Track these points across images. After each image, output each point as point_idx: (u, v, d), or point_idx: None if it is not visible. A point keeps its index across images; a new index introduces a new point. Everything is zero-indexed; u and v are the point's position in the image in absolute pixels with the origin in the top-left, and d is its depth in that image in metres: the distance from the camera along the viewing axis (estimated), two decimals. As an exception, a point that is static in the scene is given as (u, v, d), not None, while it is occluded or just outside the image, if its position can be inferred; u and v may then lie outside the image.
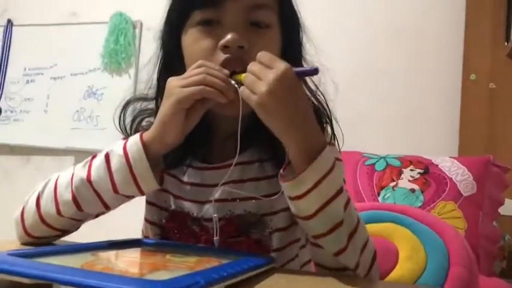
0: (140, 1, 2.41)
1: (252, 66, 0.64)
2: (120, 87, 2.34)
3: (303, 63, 0.81)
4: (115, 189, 0.69)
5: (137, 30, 2.46)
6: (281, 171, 0.67)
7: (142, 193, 0.71)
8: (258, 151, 0.79)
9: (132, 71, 2.44)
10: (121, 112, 0.82)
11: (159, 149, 0.69)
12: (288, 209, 0.74)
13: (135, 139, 0.69)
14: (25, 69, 2.61)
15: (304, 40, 0.82)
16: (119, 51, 2.43)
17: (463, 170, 1.50)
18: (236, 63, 0.69)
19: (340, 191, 0.65)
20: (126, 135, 0.81)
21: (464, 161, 1.55)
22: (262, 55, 0.64)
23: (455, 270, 1.03)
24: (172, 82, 0.68)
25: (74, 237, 0.79)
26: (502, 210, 1.55)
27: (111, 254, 0.64)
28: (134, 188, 0.69)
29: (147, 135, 0.69)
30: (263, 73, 0.62)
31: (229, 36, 0.69)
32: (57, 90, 2.54)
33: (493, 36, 1.88)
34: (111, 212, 0.76)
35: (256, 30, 0.73)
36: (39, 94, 2.57)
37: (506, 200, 1.56)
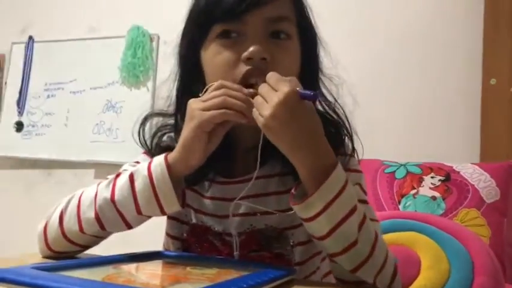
0: (157, 14, 2.44)
1: (261, 88, 0.65)
2: (138, 100, 2.37)
3: (320, 76, 0.81)
4: (138, 210, 0.70)
5: (154, 44, 2.48)
6: (293, 190, 0.67)
7: (164, 214, 0.71)
8: (279, 164, 0.78)
9: (150, 84, 2.46)
10: (140, 127, 0.83)
11: (183, 171, 0.70)
12: None
13: (159, 160, 0.70)
14: (46, 84, 2.66)
15: (322, 53, 0.82)
16: (136, 64, 2.46)
17: (486, 177, 1.47)
18: (258, 75, 0.69)
19: (353, 209, 0.64)
20: (148, 150, 0.82)
21: (487, 167, 1.52)
22: (271, 76, 0.65)
23: (480, 280, 1.01)
24: (193, 104, 0.68)
25: (95, 251, 0.79)
26: (527, 216, 1.52)
27: (132, 266, 0.64)
28: (157, 208, 0.69)
29: (171, 156, 0.70)
30: (269, 96, 0.63)
31: (252, 48, 0.70)
32: (77, 104, 2.58)
33: (512, 39, 1.85)
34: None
35: (277, 41, 0.73)
36: (60, 108, 2.61)
37: (531, 207, 1.52)
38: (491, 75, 1.87)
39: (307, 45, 0.78)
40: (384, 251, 0.69)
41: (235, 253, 0.75)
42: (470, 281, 1.03)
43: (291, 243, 0.77)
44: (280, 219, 0.76)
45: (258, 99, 0.64)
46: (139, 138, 0.83)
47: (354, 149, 0.80)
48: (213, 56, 0.74)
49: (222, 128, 0.68)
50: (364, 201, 0.76)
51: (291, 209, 0.71)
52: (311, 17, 0.80)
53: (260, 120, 0.63)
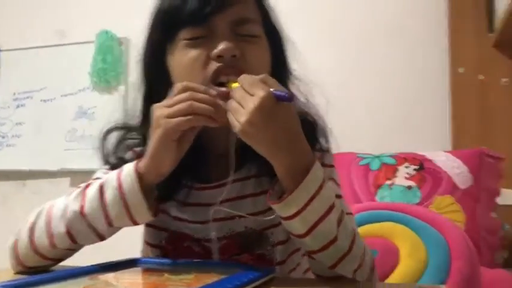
0: (126, 18, 2.40)
1: (236, 92, 0.63)
2: (110, 105, 2.33)
3: (290, 77, 0.80)
4: (108, 222, 0.69)
5: (124, 47, 2.45)
6: (270, 190, 0.66)
7: (136, 224, 0.70)
8: (255, 166, 0.77)
9: (122, 88, 2.43)
10: (102, 142, 0.80)
11: (154, 180, 0.68)
12: None
13: (129, 170, 0.68)
14: (14, 93, 2.60)
15: (290, 54, 0.81)
16: (107, 69, 2.42)
17: (458, 163, 1.51)
18: (229, 72, 0.69)
19: (331, 207, 0.64)
20: (107, 164, 0.79)
21: (459, 154, 1.56)
22: (244, 79, 0.63)
23: (457, 265, 1.03)
24: (158, 111, 0.66)
25: (71, 261, 0.78)
26: (499, 200, 1.55)
27: (109, 276, 0.63)
28: (128, 220, 0.68)
29: (141, 166, 0.68)
30: (244, 101, 0.61)
31: (222, 46, 0.68)
32: (48, 113, 2.53)
33: (477, 28, 1.89)
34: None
35: (246, 39, 0.72)
36: (30, 117, 2.55)
37: (503, 190, 1.56)
38: (459, 64, 1.90)
39: (275, 46, 0.78)
40: (362, 245, 0.69)
41: (214, 257, 0.75)
42: (447, 266, 1.05)
43: (272, 243, 0.77)
44: (259, 220, 0.76)
45: (233, 105, 0.62)
46: (101, 152, 0.80)
47: (328, 145, 0.81)
48: (181, 57, 0.72)
49: (191, 132, 0.67)
50: (338, 196, 0.76)
51: (269, 209, 0.70)
52: (276, 19, 0.80)
53: (237, 127, 0.61)
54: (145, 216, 0.68)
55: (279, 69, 0.77)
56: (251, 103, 0.60)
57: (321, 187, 0.63)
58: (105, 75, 2.42)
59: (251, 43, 0.72)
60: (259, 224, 0.76)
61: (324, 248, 0.65)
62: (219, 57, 0.69)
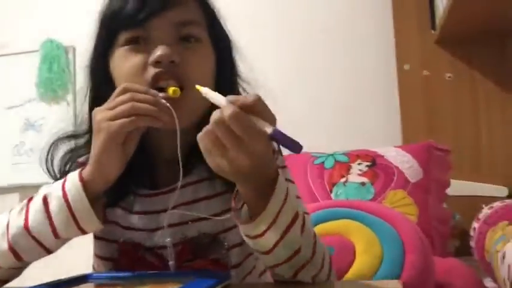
0: (71, 26, 2.34)
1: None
2: (59, 116, 2.26)
3: (238, 80, 0.80)
4: (55, 234, 0.66)
5: (70, 56, 2.38)
6: (232, 203, 0.63)
7: (84, 233, 0.68)
8: (206, 169, 0.76)
9: (70, 98, 2.36)
10: (47, 154, 0.77)
11: (101, 187, 0.66)
12: None
13: (73, 179, 0.66)
14: (-45, 108, 2.48)
15: (237, 57, 0.80)
16: (53, 79, 2.35)
17: (408, 158, 1.55)
18: (168, 78, 0.67)
19: (296, 215, 0.62)
20: (55, 179, 0.77)
21: (408, 148, 1.60)
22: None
23: (410, 258, 1.06)
24: (99, 114, 0.64)
25: (18, 281, 0.74)
26: (448, 191, 1.61)
27: (58, 295, 0.61)
28: (75, 229, 0.66)
29: (86, 173, 0.66)
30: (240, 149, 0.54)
31: (159, 52, 0.67)
32: (-7, 126, 2.43)
33: (420, 25, 1.96)
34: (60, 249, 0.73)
35: (187, 44, 0.71)
36: (-27, 132, 2.44)
37: (452, 181, 1.62)
38: (405, 61, 1.96)
39: (221, 49, 0.77)
40: (322, 249, 0.69)
41: (170, 263, 0.73)
42: (401, 259, 1.08)
43: (226, 247, 0.76)
44: (212, 224, 0.75)
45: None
46: (47, 168, 0.77)
47: (279, 146, 0.81)
48: (120, 62, 0.70)
49: (136, 133, 0.65)
50: (297, 197, 0.76)
51: (223, 212, 0.70)
52: (222, 22, 0.79)
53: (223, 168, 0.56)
54: (93, 224, 0.66)
55: (225, 72, 0.77)
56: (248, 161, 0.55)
57: (286, 198, 0.60)
58: (52, 84, 2.35)
59: (192, 49, 0.71)
60: (213, 228, 0.75)
61: (288, 259, 0.63)
62: (157, 62, 0.68)
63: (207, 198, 0.76)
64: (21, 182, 2.31)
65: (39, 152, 0.80)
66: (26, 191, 2.26)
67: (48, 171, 0.77)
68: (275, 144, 0.79)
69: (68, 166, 0.77)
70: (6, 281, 0.72)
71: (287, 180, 0.77)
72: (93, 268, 0.82)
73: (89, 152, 0.75)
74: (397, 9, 1.99)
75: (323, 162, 1.61)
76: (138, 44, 0.70)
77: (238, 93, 0.78)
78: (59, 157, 0.78)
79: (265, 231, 0.60)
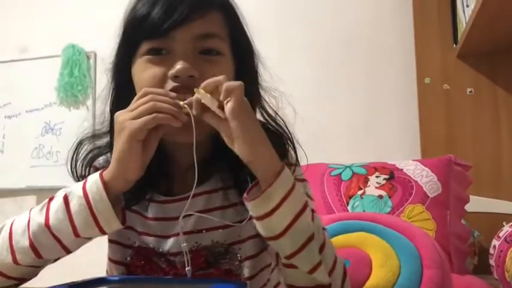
0: (92, 32, 2.37)
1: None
2: (78, 120, 2.27)
3: (260, 90, 0.80)
4: (75, 233, 0.67)
5: (91, 61, 2.41)
6: (245, 194, 0.66)
7: (104, 233, 0.68)
8: (221, 179, 0.77)
9: (89, 103, 2.39)
10: (73, 154, 0.78)
11: (121, 187, 0.67)
12: (256, 236, 0.74)
13: (94, 178, 0.67)
14: (-23, 110, 2.53)
15: (260, 67, 0.81)
16: (74, 83, 2.37)
17: (427, 172, 1.52)
18: (186, 92, 0.68)
19: (305, 205, 0.66)
20: (76, 179, 0.78)
21: (427, 162, 1.58)
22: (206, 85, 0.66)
23: (429, 273, 1.04)
24: (121, 116, 0.66)
25: (35, 281, 0.75)
26: (467, 207, 1.58)
27: (73, 297, 0.61)
28: (95, 229, 0.67)
29: (107, 173, 0.67)
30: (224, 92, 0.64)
31: (179, 66, 0.68)
32: (13, 129, 2.46)
33: (441, 39, 1.94)
34: (74, 253, 0.73)
35: (207, 58, 0.71)
36: (-6, 134, 2.48)
37: (471, 197, 1.59)
38: (425, 75, 1.94)
39: (242, 60, 0.77)
40: (333, 249, 0.70)
41: (186, 269, 0.72)
42: (419, 274, 1.05)
43: (239, 258, 0.76)
44: (226, 234, 0.75)
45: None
46: (71, 168, 0.78)
47: (297, 158, 0.80)
48: (141, 72, 0.72)
49: (156, 134, 0.66)
50: (313, 210, 0.76)
51: (238, 222, 0.70)
52: (246, 31, 0.79)
53: (228, 109, 0.63)
54: (113, 224, 0.67)
55: (246, 83, 0.77)
56: (232, 94, 0.63)
57: (293, 186, 0.65)
58: (72, 89, 2.37)
59: (212, 62, 0.71)
60: (227, 238, 0.76)
61: (301, 247, 0.65)
62: (175, 77, 0.69)
63: (221, 208, 0.77)
64: (39, 185, 2.33)
65: (57, 155, 0.81)
66: (44, 193, 2.29)
67: (72, 172, 0.79)
68: (293, 156, 0.79)
69: (89, 167, 0.78)
70: (23, 280, 0.72)
71: (307, 195, 0.76)
72: (107, 272, 0.82)
73: (109, 152, 0.76)
74: (419, 23, 1.98)
75: (340, 174, 1.59)
76: (159, 55, 0.71)
77: (260, 103, 0.79)
78: (81, 157, 0.79)
79: (275, 209, 0.63)
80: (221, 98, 0.64)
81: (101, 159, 0.80)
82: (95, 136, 0.80)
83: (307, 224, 0.65)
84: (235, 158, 0.65)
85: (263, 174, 0.64)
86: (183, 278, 0.74)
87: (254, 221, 0.66)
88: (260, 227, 0.66)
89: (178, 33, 0.69)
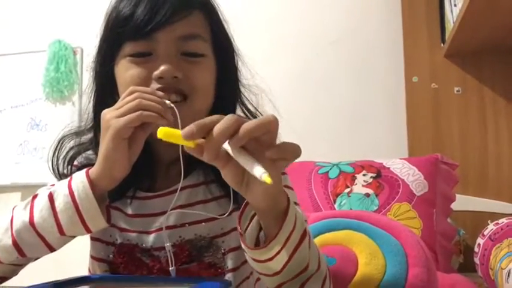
0: (79, 28, 2.35)
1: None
2: (65, 116, 2.26)
3: (240, 87, 0.81)
4: (60, 231, 0.66)
5: (78, 57, 2.39)
6: (238, 227, 0.61)
7: (89, 232, 0.68)
8: (203, 174, 0.78)
9: (75, 99, 2.36)
10: (54, 152, 0.78)
11: (107, 185, 0.67)
12: None
13: (80, 177, 0.66)
14: (-39, 104, 2.49)
15: (240, 65, 0.81)
16: (60, 79, 2.34)
17: (414, 170, 1.53)
18: (171, 92, 0.69)
19: (304, 233, 0.61)
20: (58, 178, 0.78)
21: (414, 161, 1.58)
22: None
23: (415, 271, 1.04)
24: (108, 114, 0.66)
25: (16, 280, 0.74)
26: (453, 206, 1.59)
27: (54, 295, 0.59)
28: (81, 227, 0.66)
29: (92, 172, 0.66)
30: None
31: (163, 68, 0.68)
32: (-3, 124, 2.43)
33: (429, 38, 1.95)
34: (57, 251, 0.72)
35: (190, 59, 0.72)
36: (-22, 130, 2.44)
37: (457, 196, 1.60)
38: (413, 74, 1.95)
39: (224, 59, 0.77)
40: (324, 262, 0.69)
41: (170, 268, 0.72)
42: (405, 273, 1.06)
43: (222, 251, 0.76)
44: (209, 228, 0.76)
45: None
46: (52, 165, 0.77)
47: None
48: (124, 72, 0.72)
49: (142, 132, 0.66)
50: (295, 203, 0.75)
51: (220, 215, 0.71)
52: (227, 29, 0.80)
53: (275, 168, 0.54)
54: (99, 223, 0.67)
55: (228, 82, 0.78)
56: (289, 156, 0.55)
57: (296, 219, 0.60)
58: (58, 85, 2.34)
59: (195, 63, 0.72)
60: (210, 231, 0.76)
61: (295, 276, 0.63)
62: (160, 78, 0.70)
63: (203, 202, 0.77)
64: (24, 181, 2.30)
65: (43, 151, 0.81)
66: (29, 190, 2.26)
67: (53, 169, 0.78)
68: None
69: (71, 165, 0.78)
70: (3, 279, 0.71)
71: (286, 187, 0.77)
72: (89, 270, 0.82)
73: (90, 149, 0.75)
74: (407, 21, 1.98)
75: (327, 172, 1.59)
76: (142, 56, 0.71)
77: (240, 100, 0.79)
78: (63, 154, 0.78)
79: (276, 255, 0.59)
80: (271, 154, 0.52)
81: (80, 158, 0.79)
82: (77, 134, 0.79)
83: (304, 254, 0.62)
84: None
85: (269, 222, 0.59)
86: (167, 277, 0.73)
87: (248, 258, 0.63)
88: (255, 265, 0.63)
89: (161, 34, 0.70)
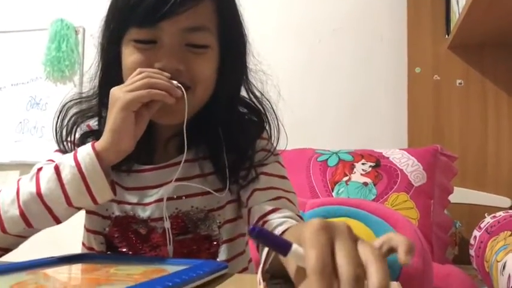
0: (82, 7, 2.33)
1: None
2: (64, 96, 2.25)
3: (250, 78, 0.81)
4: (68, 202, 0.67)
5: (80, 36, 2.37)
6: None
7: (96, 203, 0.68)
8: (202, 148, 0.80)
9: (76, 79, 2.35)
10: (57, 120, 0.78)
11: (114, 158, 0.68)
12: (234, 200, 0.79)
13: (86, 150, 0.67)
14: (-39, 81, 2.48)
15: (250, 53, 0.81)
16: (61, 58, 2.33)
17: (413, 161, 1.53)
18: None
19: None
20: (61, 144, 0.78)
21: (414, 152, 1.58)
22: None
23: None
24: (117, 90, 0.67)
25: (15, 256, 0.74)
26: (451, 198, 1.59)
27: (49, 271, 0.59)
28: (88, 199, 0.67)
29: (99, 144, 0.67)
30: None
31: (165, 61, 0.70)
32: (-3, 102, 2.42)
33: (434, 30, 1.94)
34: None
35: (193, 50, 0.72)
36: (-22, 107, 2.44)
37: (455, 188, 1.60)
38: (416, 65, 1.94)
39: (230, 52, 0.77)
40: None
41: (168, 247, 0.75)
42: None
43: (218, 223, 0.79)
44: (206, 200, 0.78)
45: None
46: (55, 134, 0.78)
47: (278, 137, 0.82)
48: (128, 56, 0.72)
49: (147, 110, 0.67)
50: (283, 177, 0.79)
51: (217, 190, 0.75)
52: (240, 18, 0.79)
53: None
54: (106, 194, 0.68)
55: (234, 71, 0.77)
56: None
57: None
58: (59, 64, 2.33)
59: (198, 54, 0.72)
60: (206, 204, 0.78)
61: None
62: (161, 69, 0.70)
63: (201, 176, 0.79)
64: (23, 159, 2.30)
65: (42, 130, 0.81)
66: (28, 168, 2.24)
67: (56, 134, 0.78)
68: (275, 135, 0.80)
69: (74, 130, 0.78)
70: (7, 250, 0.72)
71: (279, 176, 0.78)
72: (83, 244, 0.82)
73: (94, 116, 0.76)
74: (412, 12, 1.97)
75: (327, 160, 1.59)
76: (146, 44, 0.72)
77: (248, 86, 0.79)
78: (68, 118, 0.79)
79: None
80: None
81: (84, 126, 0.79)
82: (82, 101, 0.80)
83: None
84: (215, 140, 0.71)
85: None
86: (164, 258, 0.73)
87: None
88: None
89: (166, 24, 0.70)
